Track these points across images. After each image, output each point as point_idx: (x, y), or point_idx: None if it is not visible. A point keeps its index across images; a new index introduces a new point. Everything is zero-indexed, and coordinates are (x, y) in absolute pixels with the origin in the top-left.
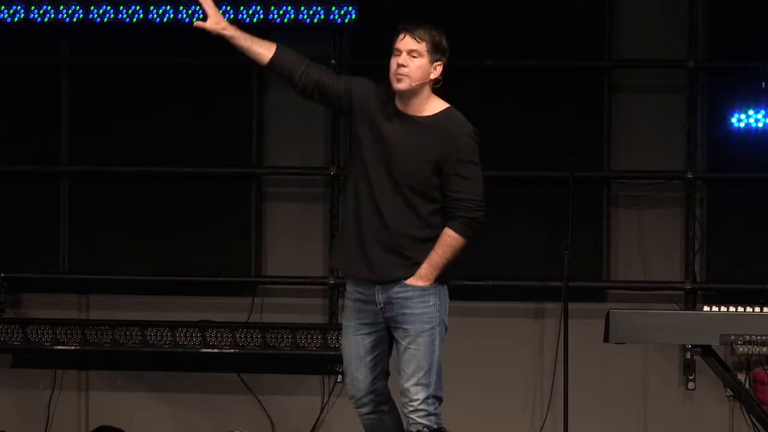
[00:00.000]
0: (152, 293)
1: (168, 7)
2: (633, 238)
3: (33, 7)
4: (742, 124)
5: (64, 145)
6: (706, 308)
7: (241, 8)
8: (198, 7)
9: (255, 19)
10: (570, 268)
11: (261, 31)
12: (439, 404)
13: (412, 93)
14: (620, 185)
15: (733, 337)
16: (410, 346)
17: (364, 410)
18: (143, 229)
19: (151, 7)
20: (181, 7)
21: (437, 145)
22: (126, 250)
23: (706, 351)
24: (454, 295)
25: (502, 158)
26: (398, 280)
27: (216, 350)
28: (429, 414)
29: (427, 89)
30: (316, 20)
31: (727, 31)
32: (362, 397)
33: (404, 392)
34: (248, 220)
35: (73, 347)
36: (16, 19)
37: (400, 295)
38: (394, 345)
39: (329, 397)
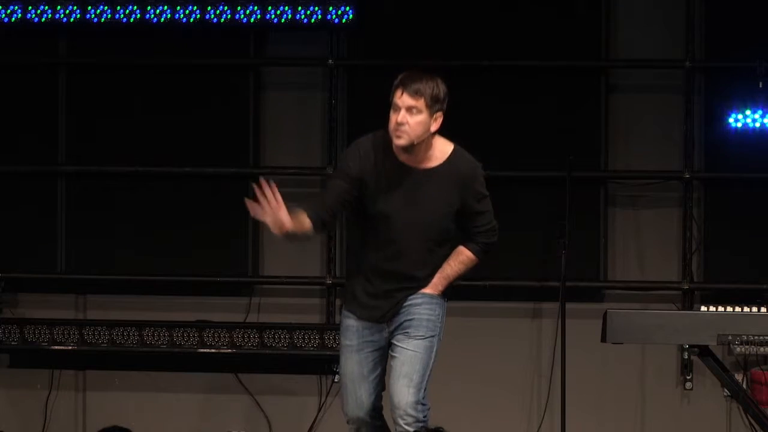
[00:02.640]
0: (149, 293)
1: (165, 8)
2: (630, 238)
3: (30, 7)
4: (739, 124)
5: (61, 145)
6: (703, 308)
7: (239, 8)
8: (195, 7)
9: (252, 19)
10: (567, 268)
11: (258, 30)
12: (428, 411)
13: (413, 146)
14: (618, 185)
15: (730, 337)
16: (408, 348)
17: (363, 429)
18: (141, 229)
19: (149, 8)
20: (179, 8)
21: (455, 192)
22: (123, 250)
23: (704, 351)
24: (452, 295)
25: (500, 158)
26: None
27: (213, 350)
28: (417, 420)
29: (429, 138)
30: (313, 20)
31: (723, 32)
32: (364, 416)
33: (393, 394)
34: (246, 221)
35: (70, 347)
36: (13, 19)
37: (409, 302)
38: (390, 349)
39: (326, 397)
